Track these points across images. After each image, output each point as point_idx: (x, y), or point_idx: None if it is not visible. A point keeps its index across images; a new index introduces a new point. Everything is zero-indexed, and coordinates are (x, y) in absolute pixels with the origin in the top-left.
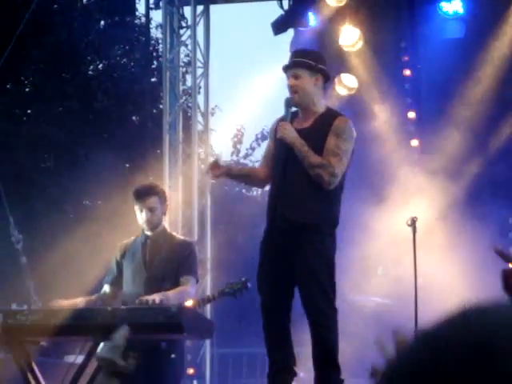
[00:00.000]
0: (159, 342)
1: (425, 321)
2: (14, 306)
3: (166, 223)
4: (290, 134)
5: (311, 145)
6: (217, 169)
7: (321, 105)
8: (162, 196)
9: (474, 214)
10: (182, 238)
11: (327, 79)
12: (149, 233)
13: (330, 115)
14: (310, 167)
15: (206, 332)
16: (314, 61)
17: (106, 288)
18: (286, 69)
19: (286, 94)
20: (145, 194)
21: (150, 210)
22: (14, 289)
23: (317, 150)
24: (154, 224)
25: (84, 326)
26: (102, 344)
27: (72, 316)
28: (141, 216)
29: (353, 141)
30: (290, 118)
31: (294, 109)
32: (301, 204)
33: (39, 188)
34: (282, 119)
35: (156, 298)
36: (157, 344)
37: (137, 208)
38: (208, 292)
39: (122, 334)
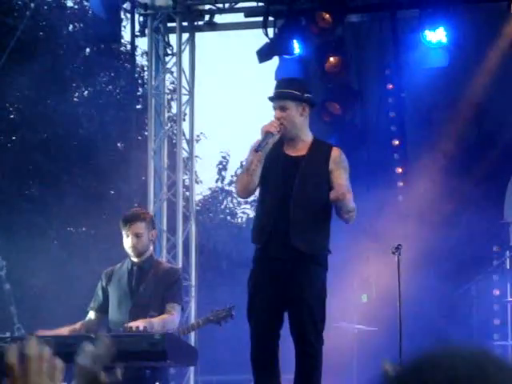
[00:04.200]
0: (143, 369)
1: (408, 347)
2: None
3: (152, 250)
4: (342, 194)
5: (311, 173)
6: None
7: (308, 133)
8: (149, 222)
9: (457, 240)
10: (168, 265)
11: (313, 106)
12: (135, 259)
13: (322, 144)
14: (347, 212)
15: (190, 359)
16: (299, 91)
17: (91, 315)
18: (272, 100)
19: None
20: (131, 219)
21: (136, 235)
22: None
23: (316, 177)
24: (139, 250)
25: (67, 353)
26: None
27: (55, 343)
28: (127, 241)
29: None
30: (261, 149)
31: (271, 140)
32: (305, 233)
33: (23, 214)
34: (256, 150)
35: (140, 324)
36: (141, 372)
37: (123, 233)
38: (192, 318)
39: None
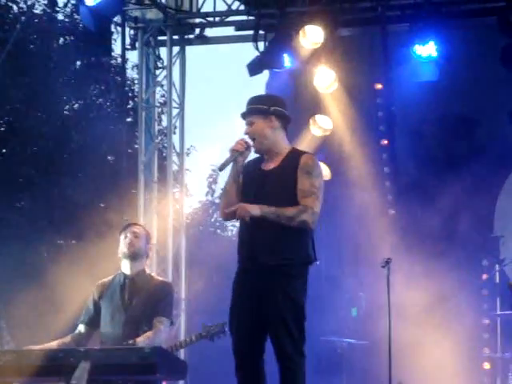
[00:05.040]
0: (133, 383)
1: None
2: None
3: (146, 265)
4: (252, 208)
5: (280, 185)
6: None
7: (283, 145)
8: (147, 234)
9: (447, 254)
10: (160, 279)
11: (286, 119)
12: (128, 271)
13: (295, 154)
14: (290, 220)
15: (180, 373)
16: (265, 104)
17: (81, 328)
18: (243, 117)
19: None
20: (132, 223)
21: (135, 234)
22: None
23: (285, 188)
24: (135, 248)
25: (57, 366)
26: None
27: (45, 357)
28: (124, 241)
29: (322, 176)
30: (224, 168)
31: (240, 158)
32: (272, 246)
33: (13, 227)
34: (220, 169)
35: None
36: None
37: (121, 236)
38: (182, 331)
39: (82, 371)
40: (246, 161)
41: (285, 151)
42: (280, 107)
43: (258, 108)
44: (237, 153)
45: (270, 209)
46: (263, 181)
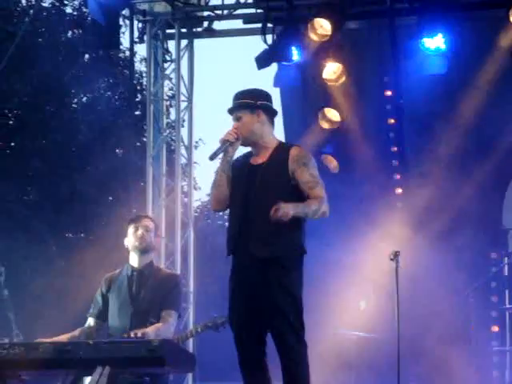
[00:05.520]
0: (142, 376)
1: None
2: None
3: (153, 257)
4: (289, 209)
5: (271, 179)
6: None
7: (271, 139)
8: (156, 227)
9: (456, 247)
10: (168, 271)
11: (272, 113)
12: (136, 264)
13: (283, 148)
14: (315, 214)
15: (188, 365)
16: (252, 99)
17: (91, 321)
18: (230, 112)
19: None
20: (142, 216)
21: (146, 228)
22: None
23: (275, 182)
24: (146, 243)
25: (66, 359)
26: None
27: (54, 350)
28: (135, 234)
29: (315, 164)
30: (215, 157)
31: (230, 148)
32: (266, 238)
33: (21, 221)
34: (210, 158)
35: (138, 333)
36: (140, 378)
37: (131, 229)
38: (191, 325)
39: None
40: (235, 155)
41: (272, 145)
42: (267, 101)
43: (245, 103)
44: (227, 143)
45: (299, 206)
46: (253, 176)
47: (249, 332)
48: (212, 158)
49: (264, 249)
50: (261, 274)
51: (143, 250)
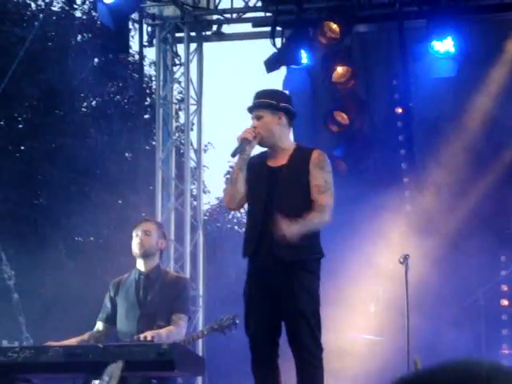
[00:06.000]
0: (151, 379)
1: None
2: (4, 343)
3: (159, 260)
4: (293, 232)
5: (292, 182)
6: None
7: (289, 142)
8: (159, 228)
9: (465, 250)
10: (176, 274)
11: (292, 116)
12: (142, 268)
13: (303, 151)
14: (318, 226)
15: (198, 369)
16: (275, 100)
17: (100, 325)
18: (250, 111)
19: None
20: (143, 220)
21: (145, 232)
22: (6, 325)
23: (297, 184)
24: (145, 248)
25: (75, 363)
26: (96, 382)
27: (63, 353)
28: (134, 241)
29: (331, 171)
30: (236, 155)
31: (248, 146)
32: (290, 242)
33: (31, 224)
34: (232, 155)
35: (149, 335)
36: (149, 382)
37: (134, 234)
38: (200, 328)
39: (117, 369)
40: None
41: (290, 148)
42: (288, 104)
43: (267, 103)
44: (246, 141)
45: (303, 225)
46: (274, 178)
47: (264, 334)
48: (234, 154)
49: (289, 252)
50: (284, 276)
51: (144, 255)
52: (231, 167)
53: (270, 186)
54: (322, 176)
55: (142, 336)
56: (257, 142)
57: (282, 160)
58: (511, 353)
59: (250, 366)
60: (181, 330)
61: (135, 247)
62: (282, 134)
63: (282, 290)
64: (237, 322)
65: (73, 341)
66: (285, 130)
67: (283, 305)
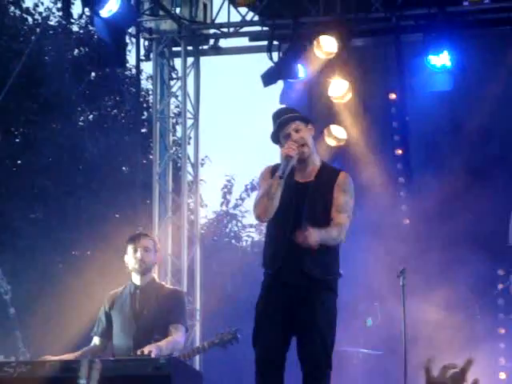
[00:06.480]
0: None
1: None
2: (1, 358)
3: (155, 274)
4: (316, 236)
5: (319, 198)
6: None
7: (318, 157)
8: (155, 243)
9: (463, 257)
10: (171, 287)
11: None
12: (139, 278)
13: (330, 169)
14: (335, 241)
15: (195, 383)
16: (300, 113)
17: (96, 340)
18: (283, 126)
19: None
20: (141, 235)
21: (145, 249)
22: (2, 340)
23: (324, 202)
24: (146, 264)
25: (72, 378)
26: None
27: (60, 368)
28: (134, 256)
29: (353, 196)
30: (286, 174)
31: (291, 163)
32: (317, 259)
33: (28, 238)
34: (281, 176)
35: (151, 350)
36: None
37: (130, 249)
38: (197, 342)
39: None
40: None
41: (318, 163)
42: None
43: (301, 116)
44: (291, 158)
45: (323, 233)
46: (303, 194)
47: (275, 350)
48: (282, 176)
49: (317, 269)
50: (307, 292)
51: (144, 272)
52: (228, 181)
53: (298, 201)
54: (343, 198)
55: (140, 351)
56: (297, 157)
57: (309, 176)
58: (508, 366)
59: (255, 378)
60: (180, 340)
61: (136, 263)
62: (314, 147)
63: (304, 306)
64: (238, 336)
65: (70, 356)
66: (314, 143)
67: (302, 320)
